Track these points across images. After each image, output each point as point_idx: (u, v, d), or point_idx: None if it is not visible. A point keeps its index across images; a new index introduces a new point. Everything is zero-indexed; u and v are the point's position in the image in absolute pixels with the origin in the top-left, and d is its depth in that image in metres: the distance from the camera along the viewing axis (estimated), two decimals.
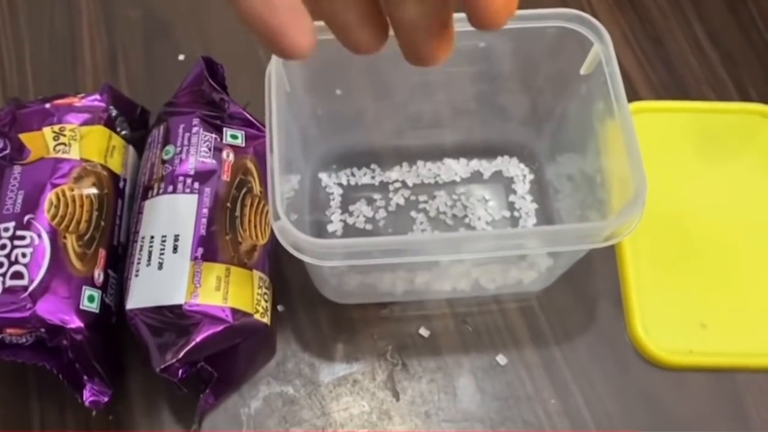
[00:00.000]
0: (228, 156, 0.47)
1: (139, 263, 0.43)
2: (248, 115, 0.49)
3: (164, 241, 0.43)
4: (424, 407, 0.46)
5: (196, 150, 0.46)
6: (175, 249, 0.43)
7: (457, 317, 0.48)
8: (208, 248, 0.43)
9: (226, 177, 0.46)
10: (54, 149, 0.45)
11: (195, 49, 0.57)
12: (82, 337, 0.41)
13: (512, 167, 0.53)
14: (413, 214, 0.52)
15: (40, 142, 0.46)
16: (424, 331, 0.48)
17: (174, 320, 0.42)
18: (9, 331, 0.41)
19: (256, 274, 0.45)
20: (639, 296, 0.48)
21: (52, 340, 0.42)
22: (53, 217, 0.43)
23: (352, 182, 0.53)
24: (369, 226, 0.51)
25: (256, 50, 0.57)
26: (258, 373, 0.46)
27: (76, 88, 0.56)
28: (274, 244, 0.47)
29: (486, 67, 0.48)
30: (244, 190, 0.46)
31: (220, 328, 0.42)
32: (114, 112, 0.49)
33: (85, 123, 0.48)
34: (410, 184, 0.53)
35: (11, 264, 0.41)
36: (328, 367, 0.47)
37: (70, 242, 0.43)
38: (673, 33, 0.60)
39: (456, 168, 0.53)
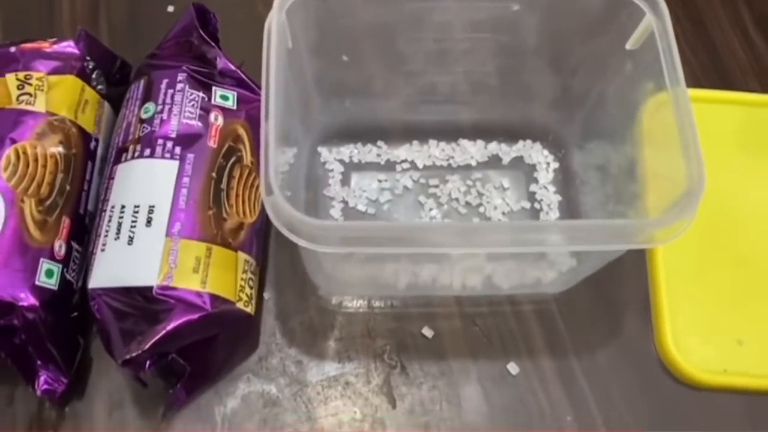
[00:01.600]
0: (216, 119, 0.43)
1: (106, 236, 0.40)
2: (242, 74, 0.46)
3: (137, 212, 0.40)
4: (423, 417, 0.43)
5: (180, 110, 0.43)
6: (148, 222, 0.40)
7: (465, 317, 0.46)
8: (186, 224, 0.40)
9: (212, 143, 0.43)
10: (17, 99, 0.42)
11: None
12: (35, 317, 0.38)
13: (535, 153, 0.50)
14: (422, 198, 0.49)
15: (1, 90, 0.43)
16: (427, 331, 0.45)
17: (143, 304, 0.38)
18: None
19: (242, 256, 0.41)
20: (670, 305, 0.45)
21: (1, 319, 0.38)
22: (10, 178, 0.40)
23: (355, 159, 0.50)
24: (371, 210, 0.49)
25: (255, 4, 0.55)
26: (237, 368, 0.43)
27: (52, 36, 0.51)
28: (263, 222, 0.44)
29: (511, 38, 0.45)
30: (232, 160, 0.43)
31: (195, 316, 0.38)
32: (90, 63, 0.46)
33: (54, 71, 0.44)
34: (420, 165, 0.50)
35: None
36: (317, 365, 0.44)
37: (29, 207, 0.40)
38: (717, 15, 0.58)
39: (472, 150, 0.50)
